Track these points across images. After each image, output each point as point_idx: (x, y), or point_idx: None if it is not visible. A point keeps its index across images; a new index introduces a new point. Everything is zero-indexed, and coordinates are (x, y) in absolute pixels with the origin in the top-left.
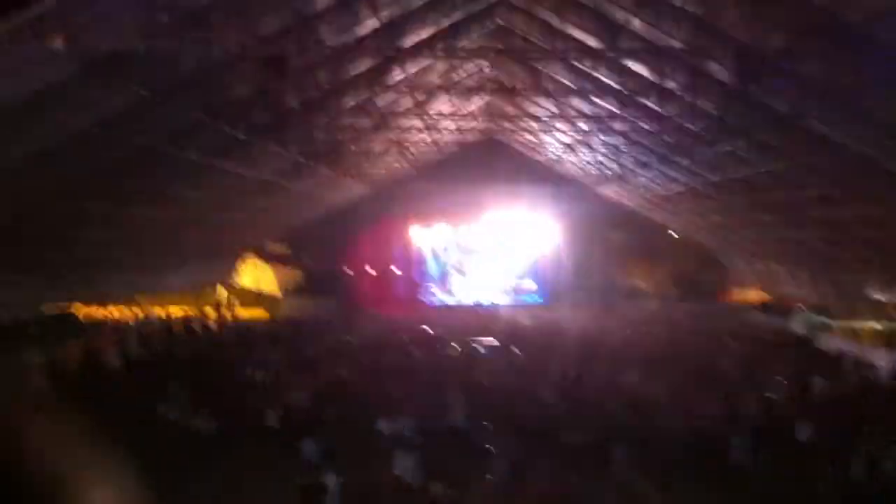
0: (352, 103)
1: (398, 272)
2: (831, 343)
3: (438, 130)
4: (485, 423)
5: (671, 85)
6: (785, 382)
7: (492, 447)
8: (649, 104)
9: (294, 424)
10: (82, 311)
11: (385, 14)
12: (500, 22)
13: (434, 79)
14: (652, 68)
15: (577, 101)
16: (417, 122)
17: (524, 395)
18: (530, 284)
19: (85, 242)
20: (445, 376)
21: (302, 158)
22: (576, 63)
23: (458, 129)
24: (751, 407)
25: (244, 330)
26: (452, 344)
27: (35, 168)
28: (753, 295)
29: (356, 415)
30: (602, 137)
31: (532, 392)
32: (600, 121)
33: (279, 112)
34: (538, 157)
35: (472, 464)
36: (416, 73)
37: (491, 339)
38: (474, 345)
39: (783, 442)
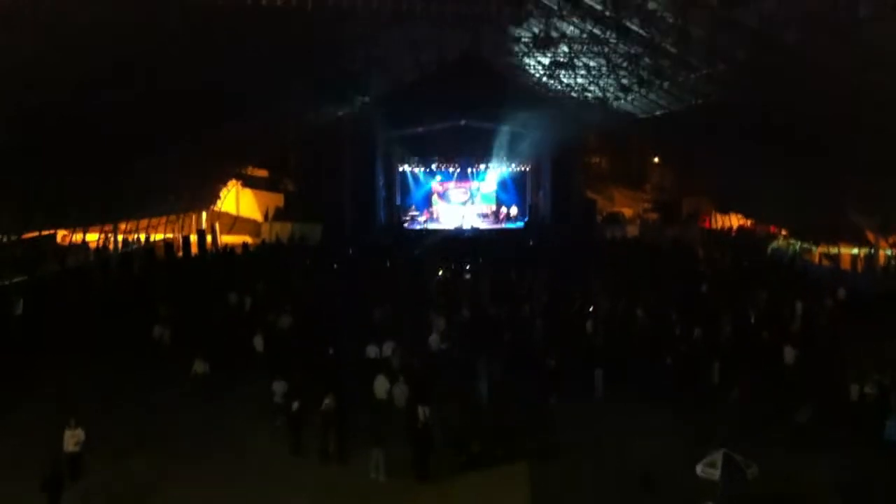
0: None
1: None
2: (810, 267)
3: (419, 50)
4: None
5: (654, 6)
6: (764, 305)
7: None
8: (632, 26)
9: (278, 350)
10: (65, 237)
11: None
12: None
13: None
14: None
15: (558, 23)
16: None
17: (505, 319)
18: (511, 210)
19: (66, 169)
20: (431, 300)
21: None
22: None
23: (439, 49)
24: (729, 330)
25: (227, 255)
26: (438, 269)
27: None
28: (734, 220)
29: (342, 340)
30: (584, 60)
31: (512, 317)
32: (583, 43)
33: None
34: (520, 81)
35: (457, 386)
36: None
37: (471, 264)
38: (458, 269)
39: (763, 365)
